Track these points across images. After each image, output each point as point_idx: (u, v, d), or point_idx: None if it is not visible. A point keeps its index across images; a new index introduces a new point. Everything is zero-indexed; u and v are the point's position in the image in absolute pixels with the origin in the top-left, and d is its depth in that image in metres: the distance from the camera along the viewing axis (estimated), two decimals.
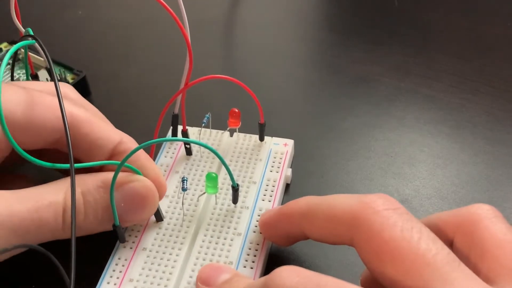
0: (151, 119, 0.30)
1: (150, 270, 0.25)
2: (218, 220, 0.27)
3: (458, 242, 0.21)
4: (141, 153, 0.25)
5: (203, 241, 0.26)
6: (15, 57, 0.33)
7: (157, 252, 0.26)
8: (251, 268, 0.25)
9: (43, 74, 0.34)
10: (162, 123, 0.29)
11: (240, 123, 0.30)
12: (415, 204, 0.29)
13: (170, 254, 0.26)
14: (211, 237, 0.26)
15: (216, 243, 0.26)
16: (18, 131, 0.23)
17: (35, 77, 0.33)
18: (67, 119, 0.23)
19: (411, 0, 0.45)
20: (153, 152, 0.28)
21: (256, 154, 0.30)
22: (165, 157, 0.30)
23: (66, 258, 0.21)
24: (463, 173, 0.31)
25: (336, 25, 0.44)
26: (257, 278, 0.25)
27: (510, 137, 0.33)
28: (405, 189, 0.30)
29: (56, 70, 0.36)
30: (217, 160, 0.29)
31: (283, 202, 0.29)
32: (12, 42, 0.39)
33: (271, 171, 0.29)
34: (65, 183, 0.23)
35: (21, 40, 0.26)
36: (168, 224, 0.27)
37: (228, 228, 0.26)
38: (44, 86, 0.26)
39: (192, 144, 0.30)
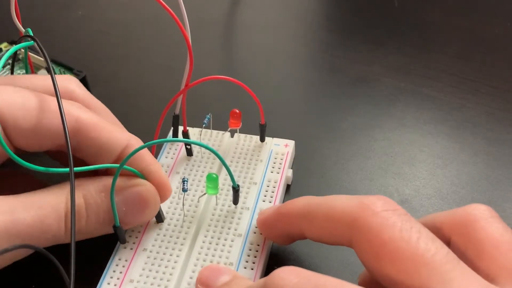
0: (151, 120, 0.30)
1: (150, 270, 0.25)
2: (218, 221, 0.27)
3: (455, 243, 0.21)
4: (147, 155, 0.25)
5: (203, 242, 0.26)
6: (14, 57, 0.33)
7: (157, 252, 0.26)
8: (252, 269, 0.25)
9: (43, 74, 0.34)
10: (163, 124, 0.29)
11: (241, 123, 0.30)
12: (415, 204, 0.30)
13: (171, 254, 0.26)
14: (212, 238, 0.26)
15: (217, 244, 0.26)
16: (20, 136, 0.23)
17: None
18: (74, 124, 0.23)
19: (411, 0, 0.45)
20: (154, 153, 0.28)
21: (257, 155, 0.30)
22: (166, 157, 0.30)
23: (66, 258, 0.21)
24: (463, 173, 0.31)
25: (336, 25, 0.44)
26: (257, 279, 0.25)
27: (510, 137, 0.33)
28: (405, 189, 0.30)
29: (56, 70, 0.36)
30: (218, 160, 0.29)
31: (283, 202, 0.29)
32: (12, 42, 0.39)
33: (271, 172, 0.29)
34: (67, 187, 0.23)
35: (20, 41, 0.26)
36: (169, 224, 0.27)
37: (229, 229, 0.26)
38: (48, 80, 0.26)
39: (192, 145, 0.30)
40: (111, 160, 0.25)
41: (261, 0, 0.47)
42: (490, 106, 0.35)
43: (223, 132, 0.31)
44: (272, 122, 0.31)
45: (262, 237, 0.26)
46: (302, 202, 0.24)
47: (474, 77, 0.37)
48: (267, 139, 0.31)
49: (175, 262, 0.25)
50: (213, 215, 0.27)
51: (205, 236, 0.26)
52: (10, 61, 0.33)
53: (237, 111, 0.30)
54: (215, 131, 0.31)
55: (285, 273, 0.19)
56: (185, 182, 0.26)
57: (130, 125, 0.29)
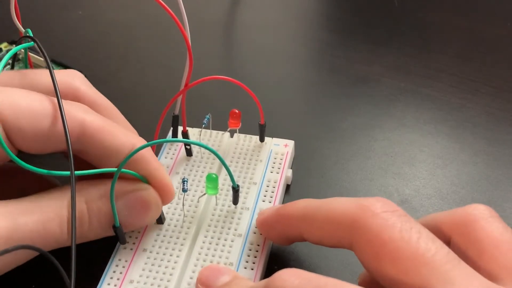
0: (151, 120, 0.30)
1: (150, 271, 0.25)
2: (218, 221, 0.27)
3: (455, 243, 0.21)
4: (152, 159, 0.25)
5: (203, 242, 0.26)
6: (14, 57, 0.33)
7: (157, 253, 0.26)
8: (252, 269, 0.25)
9: None
10: (163, 124, 0.29)
11: (241, 124, 0.30)
12: (415, 204, 0.29)
13: (171, 255, 0.26)
14: (212, 238, 0.26)
15: (217, 244, 0.26)
16: (23, 141, 0.23)
17: None
18: (79, 128, 0.23)
19: (411, 0, 0.45)
20: (154, 153, 0.28)
21: (257, 155, 0.30)
22: (166, 158, 0.30)
23: (66, 259, 0.21)
24: (463, 173, 0.31)
25: (336, 25, 0.44)
26: (257, 279, 0.25)
27: (510, 137, 0.33)
28: (405, 189, 0.30)
29: (56, 70, 0.36)
30: (218, 161, 0.29)
31: (283, 203, 0.29)
32: (12, 42, 0.39)
33: (271, 172, 0.29)
34: (68, 191, 0.23)
35: (20, 41, 0.26)
36: (169, 225, 0.27)
37: (229, 229, 0.26)
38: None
39: (192, 145, 0.30)
40: (116, 163, 0.24)
41: (261, 0, 0.47)
42: (490, 106, 0.35)
43: (223, 132, 0.31)
44: (272, 122, 0.31)
45: (262, 237, 0.26)
46: (302, 204, 0.24)
47: (474, 77, 0.37)
48: (266, 139, 0.31)
49: (175, 262, 0.25)
50: (213, 215, 0.27)
51: (205, 236, 0.26)
52: (10, 61, 0.33)
53: (237, 111, 0.30)
54: (214, 131, 0.31)
55: (286, 275, 0.19)
56: (185, 182, 0.26)
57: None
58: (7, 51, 0.39)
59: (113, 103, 0.28)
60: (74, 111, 0.24)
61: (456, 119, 0.34)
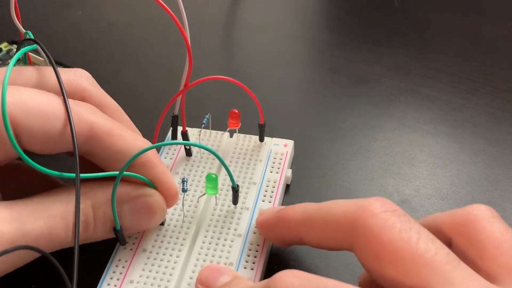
0: (151, 120, 0.30)
1: (150, 271, 0.25)
2: (218, 221, 0.27)
3: (456, 243, 0.21)
4: (157, 162, 0.25)
5: (203, 242, 0.26)
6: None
7: (157, 253, 0.26)
8: (252, 269, 0.25)
9: None
10: (162, 124, 0.29)
11: (240, 123, 0.30)
12: (415, 204, 0.29)
13: (170, 255, 0.26)
14: (211, 238, 0.26)
15: (217, 244, 0.26)
16: (32, 142, 0.23)
17: None
18: (88, 130, 0.23)
19: (411, 0, 0.45)
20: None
21: (256, 155, 0.30)
22: (165, 158, 0.30)
23: (67, 259, 0.21)
24: (463, 173, 0.31)
25: (336, 25, 0.44)
26: (257, 279, 0.25)
27: (510, 137, 0.33)
28: (405, 189, 0.30)
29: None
30: (217, 161, 0.29)
31: (283, 202, 0.29)
32: (12, 42, 0.39)
33: (271, 172, 0.29)
34: (74, 194, 0.23)
35: (22, 43, 0.25)
36: (168, 225, 0.27)
37: (228, 229, 0.26)
38: (60, 76, 0.25)
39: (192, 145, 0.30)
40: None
41: (261, 0, 0.47)
42: (490, 106, 0.35)
43: (222, 132, 0.31)
44: (271, 122, 0.31)
45: (262, 237, 0.26)
46: (301, 208, 0.23)
47: (474, 77, 0.37)
48: (266, 139, 0.31)
49: (175, 262, 0.25)
50: (212, 215, 0.27)
51: (205, 236, 0.26)
52: (10, 61, 0.33)
53: (236, 111, 0.30)
54: (214, 131, 0.31)
55: (287, 276, 0.19)
56: (185, 183, 0.26)
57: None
58: (7, 51, 0.39)
59: None
60: (84, 113, 0.23)
61: (456, 119, 0.34)
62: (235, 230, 0.26)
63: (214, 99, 0.36)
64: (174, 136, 0.31)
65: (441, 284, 0.18)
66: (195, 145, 0.29)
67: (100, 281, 0.25)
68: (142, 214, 0.25)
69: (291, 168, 0.31)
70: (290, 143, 0.31)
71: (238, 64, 0.41)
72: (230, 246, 0.26)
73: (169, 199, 0.25)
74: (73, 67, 0.36)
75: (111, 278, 0.25)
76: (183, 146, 0.30)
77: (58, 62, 0.37)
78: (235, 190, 0.26)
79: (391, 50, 0.40)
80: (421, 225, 0.20)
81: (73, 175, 0.22)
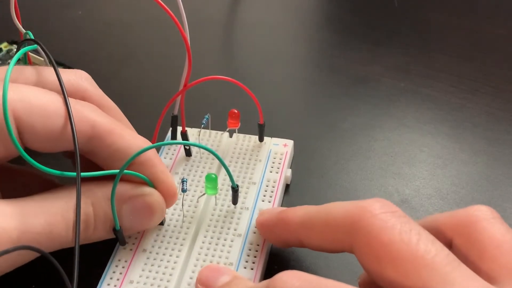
0: (150, 120, 0.30)
1: (150, 271, 0.25)
2: (218, 221, 0.27)
3: (456, 244, 0.21)
4: (157, 161, 0.25)
5: (203, 242, 0.26)
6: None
7: (157, 253, 0.26)
8: (252, 269, 0.25)
9: None
10: (162, 124, 0.29)
11: (240, 123, 0.30)
12: (415, 204, 0.29)
13: (170, 255, 0.26)
14: (211, 238, 0.26)
15: (216, 244, 0.26)
16: (34, 141, 0.23)
17: None
18: (90, 129, 0.23)
19: (411, 0, 0.45)
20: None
21: (256, 154, 0.30)
22: (165, 158, 0.30)
23: (67, 259, 0.21)
24: (463, 173, 0.31)
25: (336, 25, 0.44)
26: (257, 279, 0.25)
27: (510, 137, 0.33)
28: (405, 189, 0.30)
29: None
30: (217, 161, 0.29)
31: (283, 202, 0.29)
32: (12, 42, 0.39)
33: (270, 172, 0.29)
34: (75, 193, 0.23)
35: (22, 44, 0.25)
36: (168, 225, 0.27)
37: (228, 229, 0.26)
38: (61, 75, 0.25)
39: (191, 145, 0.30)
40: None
41: (261, 0, 0.47)
42: (490, 106, 0.35)
43: (222, 132, 0.31)
44: (271, 122, 0.31)
45: (261, 237, 0.26)
46: (301, 211, 0.23)
47: (474, 77, 0.37)
48: (266, 139, 0.31)
49: (175, 262, 0.25)
50: (212, 215, 0.27)
51: (205, 237, 0.26)
52: (10, 61, 0.33)
53: (236, 111, 0.30)
54: (214, 131, 0.31)
55: (287, 277, 0.19)
56: (184, 183, 0.26)
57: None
58: (7, 51, 0.39)
59: None
60: (86, 112, 0.24)
61: (456, 119, 0.34)
62: (235, 230, 0.26)
63: (213, 99, 0.36)
64: (173, 136, 0.31)
65: (441, 285, 0.18)
66: (195, 145, 0.29)
67: (100, 281, 0.25)
68: (142, 213, 0.25)
69: (290, 168, 0.31)
70: (290, 143, 0.31)
71: (238, 64, 0.41)
72: (230, 246, 0.26)
73: (168, 199, 0.25)
74: (73, 67, 0.36)
75: (111, 278, 0.25)
76: (182, 146, 0.30)
77: (58, 62, 0.36)
78: (235, 190, 0.26)
79: (391, 50, 0.40)
80: (421, 226, 0.20)
81: (74, 174, 0.22)
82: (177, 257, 0.25)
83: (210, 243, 0.26)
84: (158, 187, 0.25)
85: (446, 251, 0.19)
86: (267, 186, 0.29)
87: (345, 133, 0.34)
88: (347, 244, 0.21)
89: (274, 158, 0.30)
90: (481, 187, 0.30)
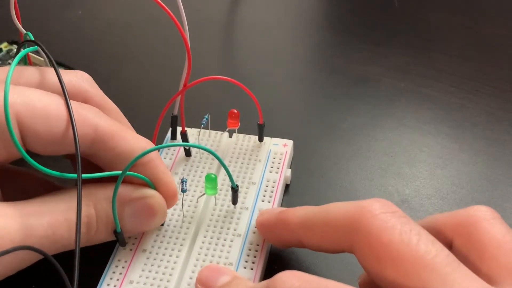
0: (150, 120, 0.30)
1: (150, 271, 0.25)
2: (217, 221, 0.27)
3: (457, 244, 0.21)
4: (159, 162, 0.25)
5: (203, 242, 0.26)
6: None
7: (157, 253, 0.26)
8: (251, 269, 0.25)
9: None
10: (161, 124, 0.29)
11: (239, 123, 0.30)
12: (415, 204, 0.29)
13: (170, 255, 0.26)
14: (211, 238, 0.26)
15: (216, 244, 0.26)
16: (37, 143, 0.23)
17: None
18: (93, 133, 0.23)
19: (411, 0, 0.45)
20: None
21: (256, 154, 0.30)
22: (164, 158, 0.30)
23: (67, 260, 0.21)
24: (463, 173, 0.31)
25: (336, 25, 0.44)
26: (257, 279, 0.25)
27: (510, 137, 0.33)
28: (405, 189, 0.30)
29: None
30: (217, 161, 0.29)
31: (282, 202, 0.29)
32: (12, 42, 0.39)
33: (270, 172, 0.29)
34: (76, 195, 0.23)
35: (23, 45, 0.25)
36: (168, 225, 0.27)
37: (228, 229, 0.26)
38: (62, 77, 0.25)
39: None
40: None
41: (261, 0, 0.47)
42: (490, 106, 0.35)
43: (222, 132, 0.31)
44: (271, 122, 0.31)
45: (261, 237, 0.26)
46: (301, 211, 0.23)
47: (474, 77, 0.37)
48: (265, 139, 0.31)
49: (175, 262, 0.25)
50: (212, 215, 0.27)
51: (205, 237, 0.26)
52: (10, 61, 0.33)
53: (235, 111, 0.30)
54: (213, 131, 0.31)
55: (287, 277, 0.19)
56: (184, 183, 0.26)
57: None
58: (7, 51, 0.39)
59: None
60: (89, 115, 0.23)
61: (456, 119, 0.34)
62: (235, 230, 0.26)
63: (213, 99, 0.36)
64: (173, 136, 0.31)
65: (441, 286, 0.18)
66: (195, 147, 0.29)
67: (100, 281, 0.25)
68: (143, 215, 0.25)
69: (290, 168, 0.31)
70: (290, 143, 0.31)
71: (238, 64, 0.41)
72: (230, 246, 0.26)
73: (169, 199, 0.25)
74: (73, 67, 0.36)
75: (111, 278, 0.25)
76: (182, 146, 0.30)
77: (58, 62, 0.37)
78: (235, 190, 0.26)
79: (391, 50, 0.40)
80: (421, 227, 0.20)
81: (75, 175, 0.22)
82: (177, 257, 0.25)
83: (210, 243, 0.26)
84: (158, 187, 0.25)
85: (446, 251, 0.19)
86: (266, 186, 0.29)
87: (345, 133, 0.34)
88: (347, 244, 0.21)
89: (274, 158, 0.30)
90: (481, 187, 0.30)
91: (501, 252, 0.20)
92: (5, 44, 0.39)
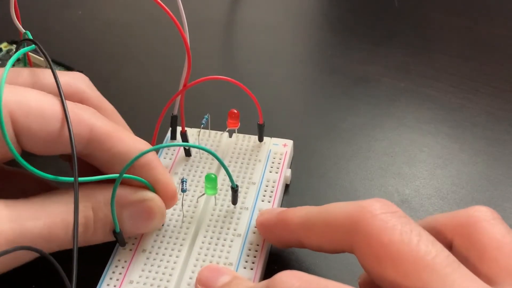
0: (150, 120, 0.30)
1: (150, 271, 0.25)
2: (217, 221, 0.27)
3: (457, 245, 0.21)
4: (157, 162, 0.25)
5: (202, 242, 0.26)
6: None
7: (156, 253, 0.26)
8: (251, 269, 0.25)
9: None
10: (161, 124, 0.29)
11: (239, 123, 0.30)
12: (415, 204, 0.29)
13: (170, 255, 0.26)
14: (211, 238, 0.26)
15: (216, 244, 0.26)
16: (31, 144, 0.22)
17: None
18: (88, 133, 0.23)
19: (411, 0, 0.45)
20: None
21: (256, 154, 0.30)
22: (164, 158, 0.30)
23: (66, 259, 0.21)
24: (463, 173, 0.31)
25: (336, 25, 0.44)
26: (257, 279, 0.25)
27: (510, 137, 0.33)
28: (405, 189, 0.30)
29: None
30: (216, 161, 0.29)
31: (282, 202, 0.29)
32: (12, 42, 0.39)
33: (270, 172, 0.29)
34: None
35: (21, 44, 0.25)
36: (168, 225, 0.27)
37: (228, 229, 0.26)
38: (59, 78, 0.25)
39: None
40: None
41: (261, 0, 0.47)
42: (490, 106, 0.35)
43: (222, 132, 0.31)
44: (271, 122, 0.31)
45: (261, 237, 0.26)
46: (302, 212, 0.23)
47: (474, 77, 0.37)
48: (265, 139, 0.31)
49: (175, 262, 0.25)
50: (212, 215, 0.27)
51: (205, 237, 0.26)
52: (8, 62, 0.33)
53: (235, 111, 0.30)
54: (213, 131, 0.31)
55: (287, 277, 0.19)
56: (184, 183, 0.26)
57: (128, 125, 0.29)
58: (7, 51, 0.39)
59: (112, 103, 0.28)
60: (84, 115, 0.23)
61: (456, 119, 0.34)
62: (235, 230, 0.26)
63: (213, 99, 0.36)
64: (173, 136, 0.31)
65: (441, 286, 0.18)
66: (194, 147, 0.29)
67: (100, 281, 0.25)
68: (142, 218, 0.25)
69: (290, 168, 0.31)
70: (290, 143, 0.31)
71: (238, 64, 0.41)
72: (230, 246, 0.26)
73: (168, 201, 0.25)
74: (73, 67, 0.36)
75: (111, 278, 0.25)
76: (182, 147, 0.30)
77: (58, 62, 0.37)
78: (235, 190, 0.26)
79: (391, 50, 0.40)
80: (421, 227, 0.20)
81: (70, 179, 0.22)
82: (177, 257, 0.25)
83: (209, 243, 0.26)
84: (157, 189, 0.25)
85: (446, 252, 0.19)
86: (266, 186, 0.29)
87: (345, 133, 0.34)
88: (347, 245, 0.21)
89: (274, 158, 0.30)
90: (481, 187, 0.30)
91: (501, 253, 0.20)
92: (5, 44, 0.39)
